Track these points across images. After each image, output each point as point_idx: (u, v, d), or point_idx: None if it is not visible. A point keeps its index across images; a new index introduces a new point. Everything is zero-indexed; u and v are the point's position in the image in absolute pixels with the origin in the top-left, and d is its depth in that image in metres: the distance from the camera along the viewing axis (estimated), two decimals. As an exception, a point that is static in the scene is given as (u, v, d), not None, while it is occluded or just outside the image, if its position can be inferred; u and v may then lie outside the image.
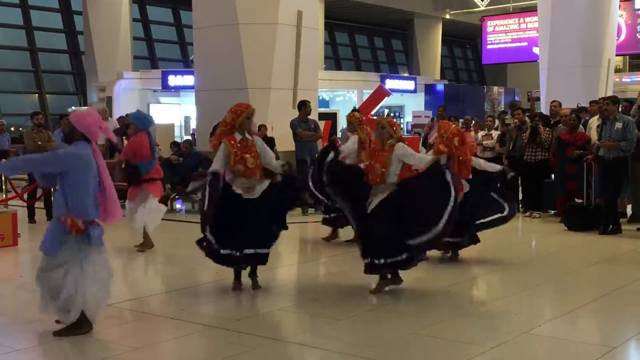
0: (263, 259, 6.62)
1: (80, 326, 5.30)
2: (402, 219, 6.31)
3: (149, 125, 8.84)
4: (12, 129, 24.41)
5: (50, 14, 30.25)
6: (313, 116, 12.81)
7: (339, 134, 16.39)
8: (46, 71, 29.42)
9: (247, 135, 6.64)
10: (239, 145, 6.54)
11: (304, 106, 12.01)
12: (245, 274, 6.74)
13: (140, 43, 31.31)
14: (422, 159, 6.75)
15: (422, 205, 6.32)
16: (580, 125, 10.97)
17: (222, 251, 6.44)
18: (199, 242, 6.61)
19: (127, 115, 9.58)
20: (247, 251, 6.48)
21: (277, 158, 12.57)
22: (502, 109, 26.22)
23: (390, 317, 6.02)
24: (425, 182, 6.47)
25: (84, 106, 26.80)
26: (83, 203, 5.27)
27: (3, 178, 11.06)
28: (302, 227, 10.88)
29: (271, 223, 6.64)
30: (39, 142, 11.11)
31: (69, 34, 30.52)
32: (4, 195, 11.02)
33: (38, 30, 29.32)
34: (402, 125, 26.99)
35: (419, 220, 6.29)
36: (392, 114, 29.06)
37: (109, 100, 23.94)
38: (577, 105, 13.51)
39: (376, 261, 6.34)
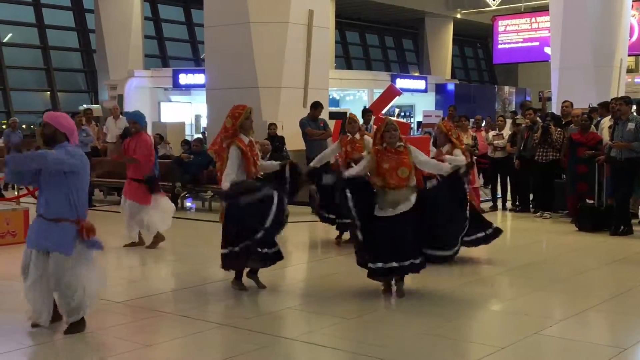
0: (280, 256, 6.67)
1: (81, 325, 5.33)
2: (422, 230, 6.27)
3: (146, 125, 9.24)
4: (24, 126, 24.55)
5: (62, 12, 30.39)
6: (323, 115, 12.82)
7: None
8: (58, 69, 29.55)
9: (249, 136, 6.62)
10: (248, 147, 6.53)
11: (314, 109, 11.99)
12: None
13: (151, 41, 31.42)
14: (437, 165, 6.70)
15: (443, 221, 6.32)
16: (592, 126, 10.93)
17: (268, 251, 6.47)
18: (229, 260, 6.53)
19: (127, 113, 9.62)
20: (274, 249, 6.58)
21: (288, 157, 12.68)
22: (513, 109, 26.16)
23: (400, 316, 6.02)
24: (446, 195, 6.40)
25: (95, 104, 26.92)
26: (84, 202, 5.37)
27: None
28: (311, 226, 10.87)
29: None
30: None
31: (80, 32, 30.65)
32: (15, 193, 11.08)
33: (50, 28, 29.45)
34: (412, 125, 26.94)
35: (439, 238, 6.34)
36: (402, 114, 29.05)
37: (120, 99, 24.05)
38: (589, 106, 13.45)
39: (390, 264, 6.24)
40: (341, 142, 8.72)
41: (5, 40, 28.27)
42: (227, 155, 6.47)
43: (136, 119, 8.83)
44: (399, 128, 6.47)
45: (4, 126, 23.79)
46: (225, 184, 6.39)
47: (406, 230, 6.21)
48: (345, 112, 20.96)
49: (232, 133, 6.51)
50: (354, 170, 6.58)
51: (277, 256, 6.67)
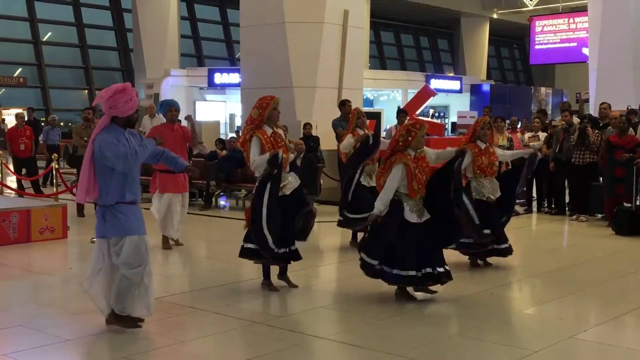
0: (299, 255, 6.64)
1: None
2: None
3: None
4: (62, 124, 24.99)
5: (101, 11, 30.86)
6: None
7: (384, 134, 16.35)
8: (96, 68, 30.01)
9: (275, 128, 6.55)
10: (271, 139, 6.43)
11: (343, 106, 12.01)
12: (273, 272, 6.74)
13: (187, 41, 31.76)
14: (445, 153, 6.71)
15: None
16: (630, 128, 10.76)
17: (279, 251, 6.41)
18: (248, 253, 6.55)
19: (165, 101, 9.15)
20: (292, 247, 6.55)
21: (321, 157, 12.69)
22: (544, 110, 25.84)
23: (434, 318, 6.00)
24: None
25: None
26: None
27: (54, 172, 11.30)
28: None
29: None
30: (85, 138, 11.30)
31: (118, 31, 31.10)
32: (54, 189, 11.27)
33: (88, 27, 29.92)
34: (447, 126, 26.79)
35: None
36: (436, 114, 28.92)
37: (157, 97, 24.31)
38: (627, 108, 13.25)
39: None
40: (356, 139, 8.63)
41: (44, 39, 28.80)
42: (249, 147, 6.44)
43: (177, 107, 8.68)
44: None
45: (42, 123, 24.23)
46: (258, 163, 6.32)
47: (432, 239, 6.19)
48: (379, 112, 20.96)
49: (258, 124, 6.44)
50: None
51: (292, 256, 6.59)
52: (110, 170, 5.17)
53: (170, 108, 8.47)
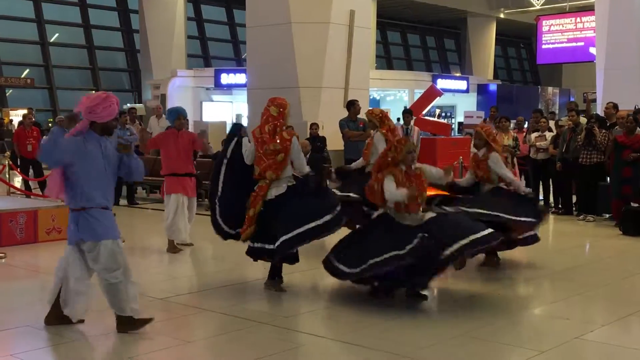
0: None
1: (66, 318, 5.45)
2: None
3: None
4: (69, 125, 25.05)
5: (108, 12, 30.93)
6: (364, 115, 12.79)
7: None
8: (103, 68, 30.09)
9: None
10: None
11: (352, 106, 12.00)
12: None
13: (194, 41, 31.80)
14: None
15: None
16: (638, 128, 10.72)
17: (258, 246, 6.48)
18: (256, 253, 6.57)
19: (175, 109, 9.11)
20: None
21: (328, 157, 12.66)
22: (552, 110, 25.79)
23: (440, 318, 6.00)
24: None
25: (138, 103, 27.33)
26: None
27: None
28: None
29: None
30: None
31: (125, 32, 31.17)
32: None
33: (95, 28, 30.00)
34: (453, 126, 26.75)
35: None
36: (443, 114, 28.88)
37: (163, 98, 24.38)
38: (635, 107, 13.20)
39: None
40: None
41: (52, 40, 28.90)
42: (276, 146, 6.38)
43: (186, 115, 8.78)
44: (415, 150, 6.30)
45: (50, 124, 24.32)
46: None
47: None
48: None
49: (282, 122, 6.50)
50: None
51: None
52: (73, 173, 5.13)
53: (179, 116, 8.55)
